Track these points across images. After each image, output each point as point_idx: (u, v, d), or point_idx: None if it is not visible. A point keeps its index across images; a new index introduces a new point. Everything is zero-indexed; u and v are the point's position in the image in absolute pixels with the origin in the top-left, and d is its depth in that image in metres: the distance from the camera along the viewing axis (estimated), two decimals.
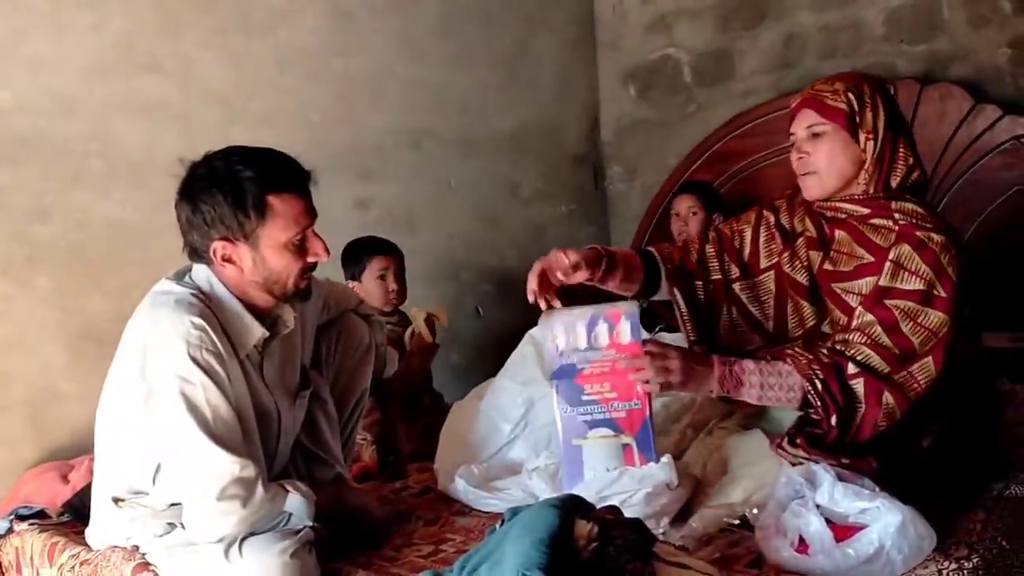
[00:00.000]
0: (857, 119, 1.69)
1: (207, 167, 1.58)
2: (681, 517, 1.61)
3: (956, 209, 2.78)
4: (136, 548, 1.61)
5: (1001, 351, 2.47)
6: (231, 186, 1.54)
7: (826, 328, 1.80)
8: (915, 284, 1.61)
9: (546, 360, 1.77)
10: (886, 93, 1.75)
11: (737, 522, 1.58)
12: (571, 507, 1.34)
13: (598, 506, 1.40)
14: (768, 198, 1.96)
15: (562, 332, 1.71)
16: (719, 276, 1.91)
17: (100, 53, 2.33)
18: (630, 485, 1.61)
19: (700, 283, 1.91)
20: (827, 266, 1.77)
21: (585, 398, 1.70)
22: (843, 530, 1.42)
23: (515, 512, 1.37)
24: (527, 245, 3.30)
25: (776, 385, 1.60)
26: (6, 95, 2.19)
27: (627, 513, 1.46)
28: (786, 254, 1.85)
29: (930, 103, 2.84)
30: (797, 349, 1.67)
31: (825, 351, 1.63)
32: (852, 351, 1.61)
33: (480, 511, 1.84)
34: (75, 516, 1.85)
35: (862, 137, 1.70)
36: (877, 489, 1.47)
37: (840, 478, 1.49)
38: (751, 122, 3.24)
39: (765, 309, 1.88)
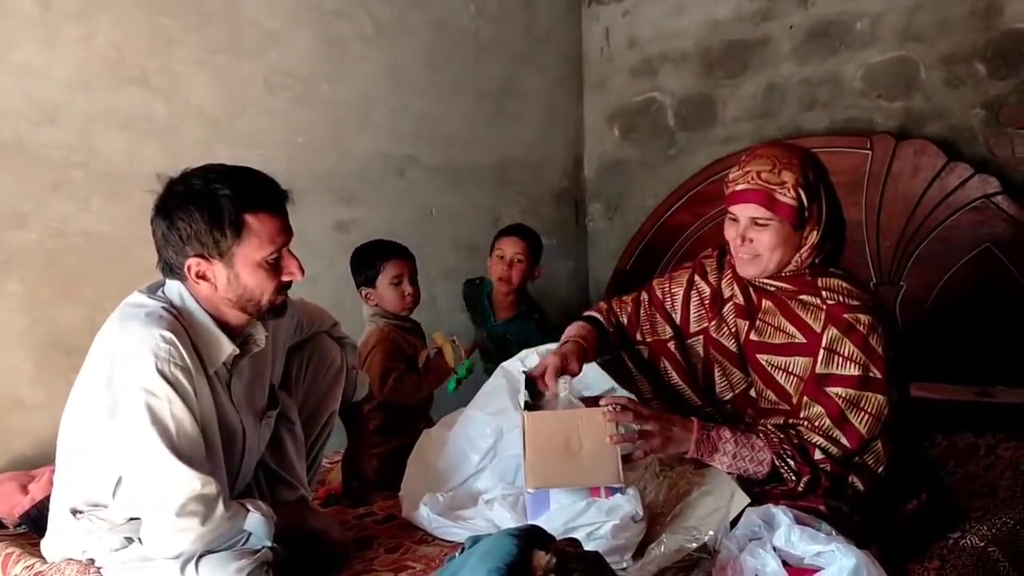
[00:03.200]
0: (805, 214, 1.70)
1: (184, 184, 1.58)
2: (640, 547, 1.61)
3: (927, 263, 2.83)
4: (92, 562, 1.60)
5: (968, 404, 2.51)
6: (208, 203, 1.55)
7: (752, 394, 1.84)
8: (851, 370, 1.67)
9: (519, 392, 1.82)
10: (825, 175, 1.76)
11: (694, 545, 1.59)
12: (530, 537, 1.34)
13: (560, 537, 1.41)
14: (699, 258, 1.98)
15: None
16: (652, 337, 1.96)
17: (88, 64, 2.34)
18: (596, 517, 1.61)
19: (641, 345, 1.97)
20: (753, 336, 1.81)
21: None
22: (799, 572, 1.44)
23: (475, 540, 1.37)
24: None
25: (747, 457, 1.67)
26: None
27: (593, 545, 1.47)
28: (714, 321, 1.88)
29: (905, 158, 2.89)
30: (769, 427, 1.72)
31: (793, 433, 1.69)
32: (811, 439, 1.67)
33: (443, 540, 1.83)
34: (32, 527, 1.83)
35: (808, 229, 1.72)
36: (834, 533, 1.49)
37: (798, 520, 1.50)
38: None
39: (695, 371, 1.92)
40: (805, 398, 1.70)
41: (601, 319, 2.01)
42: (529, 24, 3.57)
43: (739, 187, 1.74)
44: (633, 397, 1.80)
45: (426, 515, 1.88)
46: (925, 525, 1.74)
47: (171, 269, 1.61)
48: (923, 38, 2.96)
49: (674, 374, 1.92)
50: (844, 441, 1.66)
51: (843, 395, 1.66)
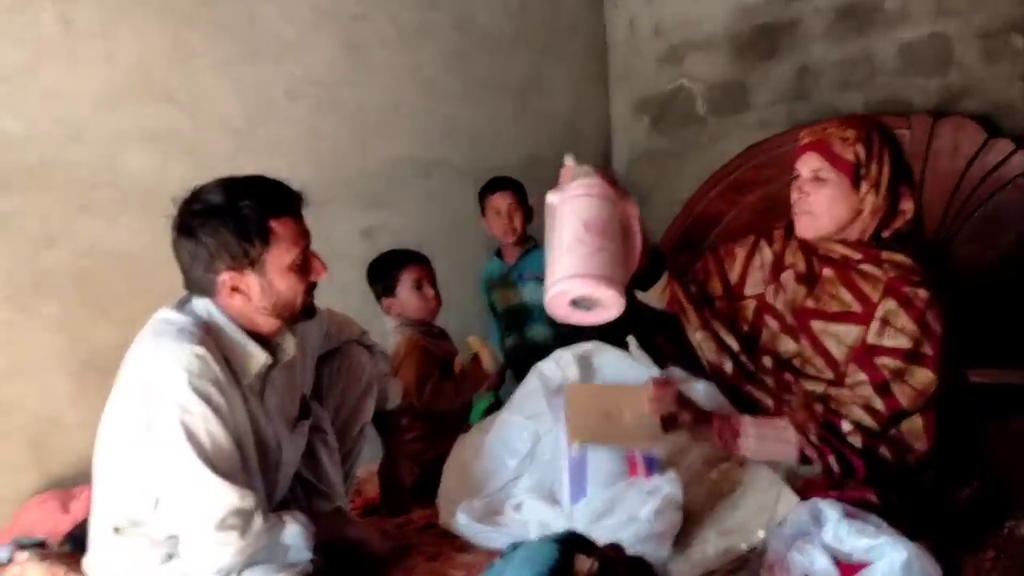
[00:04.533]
0: (863, 171, 1.73)
1: (202, 202, 1.58)
2: (682, 544, 1.57)
3: (970, 243, 2.75)
4: None
5: (1018, 387, 2.43)
6: (232, 216, 1.55)
7: (796, 363, 1.82)
8: (901, 342, 1.66)
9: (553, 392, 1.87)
10: (894, 143, 1.78)
11: (744, 547, 1.55)
12: (572, 543, 1.32)
13: (604, 523, 1.39)
14: (768, 227, 1.98)
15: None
16: (696, 288, 1.97)
17: (112, 82, 2.37)
18: (637, 498, 1.59)
19: (691, 285, 1.98)
20: (809, 303, 1.81)
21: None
22: (849, 568, 1.40)
23: (516, 547, 1.35)
24: None
25: (773, 437, 1.67)
26: (18, 124, 2.22)
27: (632, 531, 1.47)
28: (771, 286, 1.89)
29: (943, 136, 2.81)
30: (793, 406, 1.72)
31: (820, 408, 1.68)
32: (845, 410, 1.67)
33: (482, 547, 1.80)
34: (76, 547, 1.83)
35: (863, 189, 1.73)
36: (884, 525, 1.45)
37: (847, 514, 1.46)
38: (764, 153, 3.23)
39: (736, 333, 1.91)
40: (852, 365, 1.70)
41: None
42: (551, 18, 3.53)
43: (804, 141, 1.80)
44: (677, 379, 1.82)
45: (464, 521, 1.85)
46: (978, 514, 1.70)
47: (200, 288, 1.61)
48: (957, 12, 2.88)
49: (717, 326, 1.92)
50: (883, 410, 1.64)
51: (890, 366, 1.66)
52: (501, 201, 2.94)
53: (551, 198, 1.70)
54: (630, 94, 3.74)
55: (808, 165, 1.77)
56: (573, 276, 1.57)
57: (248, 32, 2.63)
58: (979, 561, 1.58)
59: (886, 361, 1.66)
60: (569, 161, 1.75)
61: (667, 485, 1.60)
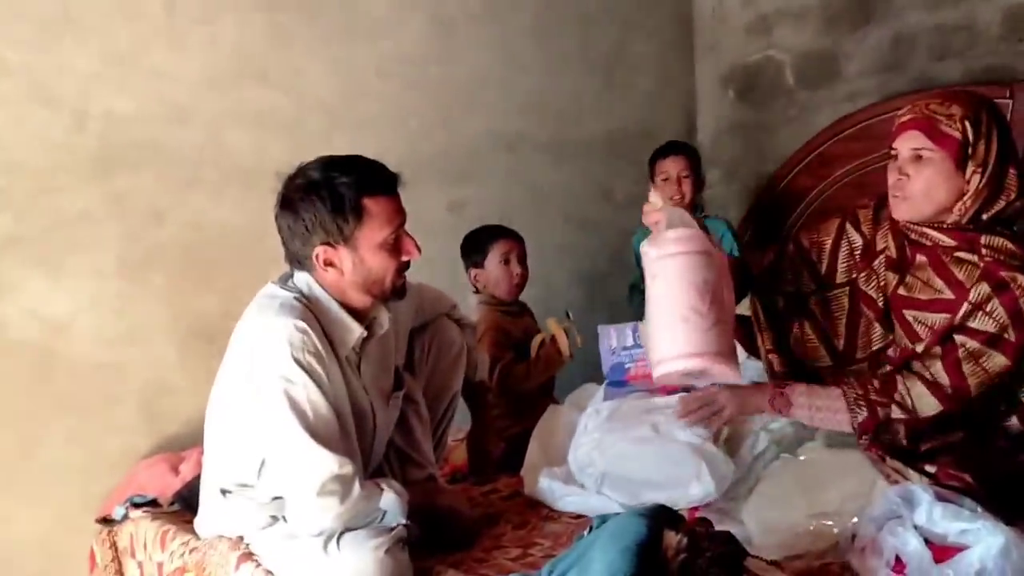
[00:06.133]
0: (969, 150, 1.62)
1: (303, 178, 1.64)
2: (772, 527, 1.58)
3: None
4: (241, 538, 1.69)
5: None
6: (329, 192, 1.61)
7: (891, 353, 1.77)
8: (987, 325, 1.59)
9: (602, 360, 1.95)
10: (1001, 120, 1.67)
11: (836, 531, 1.55)
12: (660, 517, 1.34)
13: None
14: (852, 207, 1.89)
15: (614, 335, 1.98)
16: (792, 288, 1.89)
17: (214, 64, 2.46)
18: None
19: (779, 295, 1.91)
20: (901, 290, 1.74)
21: (629, 389, 1.95)
22: (942, 551, 1.38)
23: (604, 519, 1.38)
24: (619, 249, 3.28)
25: (825, 407, 1.66)
26: (128, 103, 2.33)
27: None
28: (863, 273, 1.81)
29: None
30: (852, 381, 1.69)
31: (876, 382, 1.65)
32: (908, 383, 1.62)
33: (569, 518, 1.85)
34: (185, 506, 1.95)
35: (969, 170, 1.63)
36: (979, 509, 1.42)
37: (939, 497, 1.44)
38: (855, 125, 3.13)
39: (836, 326, 1.84)
40: (927, 340, 1.65)
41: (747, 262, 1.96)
42: None
43: (905, 118, 1.69)
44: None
45: (547, 486, 1.90)
46: None
47: (299, 261, 1.68)
48: None
49: (810, 331, 1.86)
50: (944, 381, 1.60)
51: (968, 346, 1.60)
52: (672, 166, 2.90)
53: (647, 249, 1.65)
54: (716, 66, 3.66)
55: (909, 144, 1.66)
56: (691, 355, 1.55)
57: (341, 13, 2.69)
58: None
59: (965, 340, 1.60)
60: (655, 199, 1.68)
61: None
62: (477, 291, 2.56)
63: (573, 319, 2.58)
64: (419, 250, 1.70)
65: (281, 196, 1.67)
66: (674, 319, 1.55)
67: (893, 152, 1.71)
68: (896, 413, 1.61)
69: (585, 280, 3.24)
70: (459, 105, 2.98)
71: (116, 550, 2.02)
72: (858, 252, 1.83)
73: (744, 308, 1.91)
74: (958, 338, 1.60)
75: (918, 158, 1.65)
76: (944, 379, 1.59)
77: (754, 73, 3.55)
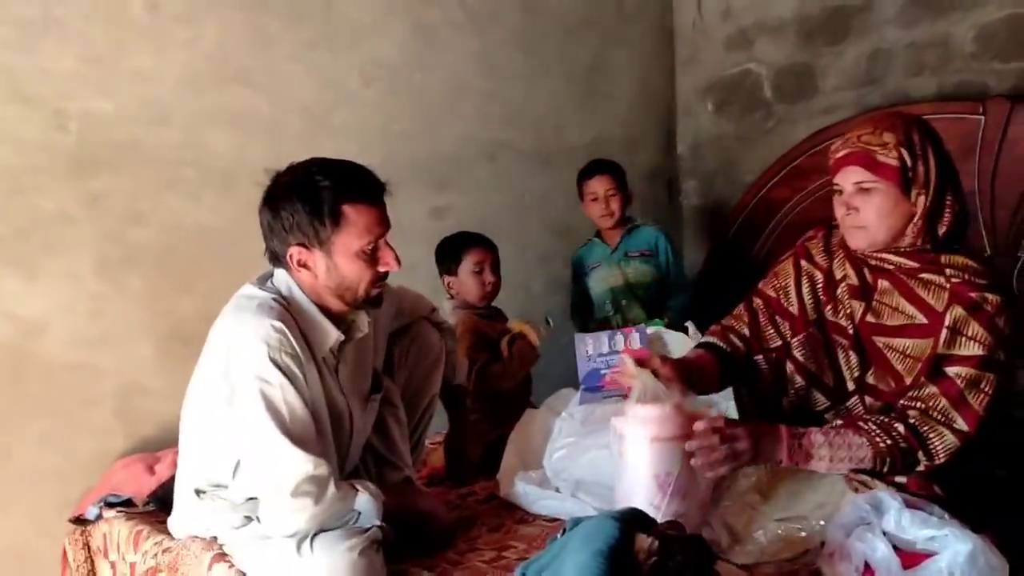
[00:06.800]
0: (910, 175, 1.63)
1: (289, 176, 1.65)
2: (742, 533, 1.60)
3: None
4: (214, 539, 1.69)
5: None
6: (309, 194, 1.61)
7: (870, 379, 1.74)
8: (974, 350, 1.58)
9: (578, 366, 1.95)
10: (933, 134, 1.68)
11: (803, 534, 1.56)
12: (632, 520, 1.35)
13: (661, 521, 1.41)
14: (800, 242, 1.88)
15: (590, 342, 2.00)
16: (779, 343, 1.84)
17: (195, 66, 2.46)
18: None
19: (762, 360, 1.84)
20: (869, 318, 1.72)
21: (604, 394, 1.95)
22: (910, 557, 1.40)
23: (577, 522, 1.39)
24: None
25: (846, 458, 1.58)
26: (107, 104, 2.32)
27: None
28: (829, 305, 1.79)
29: (1021, 123, 2.74)
30: (869, 422, 1.62)
31: (901, 429, 1.59)
32: (932, 432, 1.58)
33: (544, 521, 1.86)
34: (159, 506, 1.95)
35: (915, 193, 1.64)
36: (947, 516, 1.44)
37: (908, 504, 1.46)
38: (832, 139, 3.15)
39: (820, 362, 1.80)
40: (922, 379, 1.62)
41: (717, 341, 1.87)
42: (618, 1, 3.53)
43: (840, 154, 1.69)
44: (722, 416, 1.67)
45: (522, 490, 1.91)
46: None
47: (276, 258, 1.68)
48: None
49: (799, 379, 1.81)
50: (961, 424, 1.57)
51: (963, 375, 1.57)
52: (599, 185, 2.97)
53: (617, 424, 1.63)
54: (696, 78, 3.71)
55: (851, 178, 1.66)
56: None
57: (324, 18, 2.70)
58: None
59: (959, 370, 1.58)
60: (630, 363, 1.64)
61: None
62: (451, 296, 2.57)
63: (553, 325, 2.61)
64: (399, 262, 1.68)
65: (266, 192, 1.67)
66: (635, 500, 1.54)
67: (837, 187, 1.71)
68: (922, 459, 1.58)
69: (564, 287, 3.25)
70: (441, 112, 3.00)
71: (89, 550, 2.00)
72: (819, 285, 1.81)
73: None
74: (950, 370, 1.59)
75: (863, 190, 1.66)
76: (960, 422, 1.57)
77: (733, 86, 3.60)
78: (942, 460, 1.58)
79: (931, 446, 1.58)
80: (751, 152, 3.53)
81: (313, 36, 2.68)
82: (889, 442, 1.57)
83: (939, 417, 1.58)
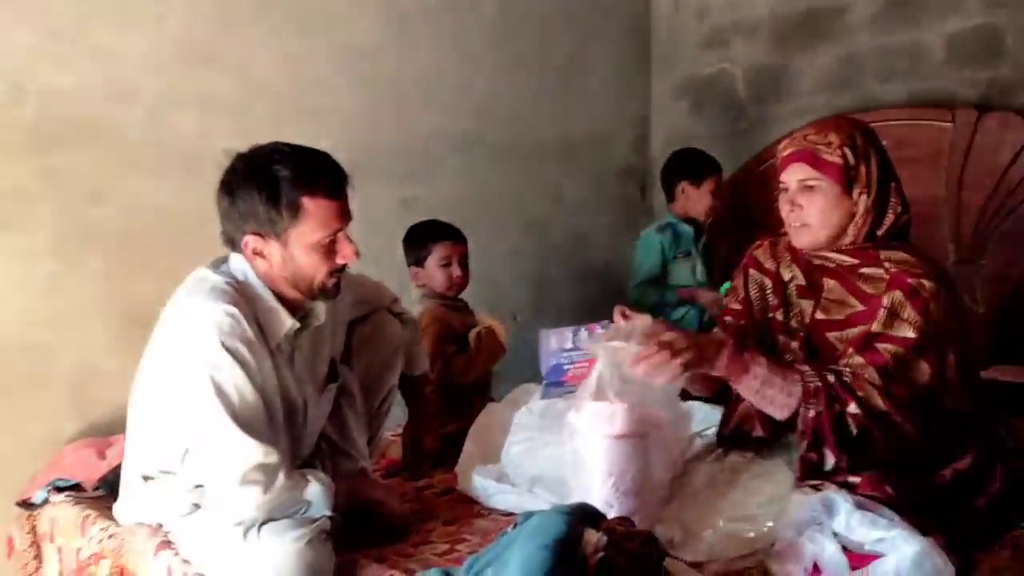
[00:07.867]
0: (852, 173, 1.68)
1: (248, 162, 1.61)
2: (691, 531, 1.60)
3: (1011, 240, 2.72)
4: (160, 526, 1.66)
5: None
6: (267, 183, 1.58)
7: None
8: (907, 332, 1.61)
9: (540, 362, 1.89)
10: (877, 142, 1.74)
11: (751, 534, 1.56)
12: (581, 515, 1.34)
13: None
14: (748, 253, 1.92)
15: (554, 338, 1.89)
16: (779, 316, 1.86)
17: (161, 45, 2.41)
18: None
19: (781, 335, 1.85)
20: (819, 315, 1.76)
21: (567, 389, 1.86)
22: (859, 558, 1.40)
23: (529, 515, 1.38)
24: (568, 253, 3.30)
25: (777, 386, 1.60)
26: (69, 80, 2.27)
27: None
28: (779, 310, 1.83)
29: (988, 131, 2.77)
30: (811, 369, 1.63)
31: (834, 381, 1.60)
32: (856, 385, 1.59)
33: (499, 513, 1.85)
34: (109, 491, 1.91)
35: (856, 192, 1.69)
36: (896, 519, 1.45)
37: (858, 506, 1.46)
38: None
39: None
40: (850, 349, 1.64)
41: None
42: None
43: (786, 152, 1.76)
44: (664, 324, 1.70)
45: (479, 484, 1.90)
46: (996, 513, 1.67)
47: (232, 243, 1.65)
48: (1008, 3, 2.83)
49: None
50: (887, 393, 1.57)
51: (893, 351, 1.60)
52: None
53: (572, 420, 1.62)
54: (671, 77, 3.72)
55: (796, 176, 1.72)
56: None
57: (296, 1, 2.66)
58: (994, 560, 1.56)
59: (888, 347, 1.60)
60: (618, 315, 1.68)
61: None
62: (419, 285, 2.55)
63: (520, 321, 2.59)
64: (357, 254, 1.65)
65: (224, 175, 1.63)
66: (590, 496, 1.53)
67: (783, 185, 1.76)
68: (852, 408, 1.57)
69: (533, 282, 3.25)
70: (412, 101, 2.97)
71: (35, 534, 1.97)
72: (769, 291, 1.86)
73: None
74: (881, 346, 1.61)
75: (807, 188, 1.71)
76: (884, 388, 1.58)
77: (708, 86, 3.61)
78: (865, 423, 1.57)
79: (860, 401, 1.57)
80: (724, 152, 3.52)
81: (282, 18, 2.64)
82: (820, 384, 1.58)
83: (868, 380, 1.59)
